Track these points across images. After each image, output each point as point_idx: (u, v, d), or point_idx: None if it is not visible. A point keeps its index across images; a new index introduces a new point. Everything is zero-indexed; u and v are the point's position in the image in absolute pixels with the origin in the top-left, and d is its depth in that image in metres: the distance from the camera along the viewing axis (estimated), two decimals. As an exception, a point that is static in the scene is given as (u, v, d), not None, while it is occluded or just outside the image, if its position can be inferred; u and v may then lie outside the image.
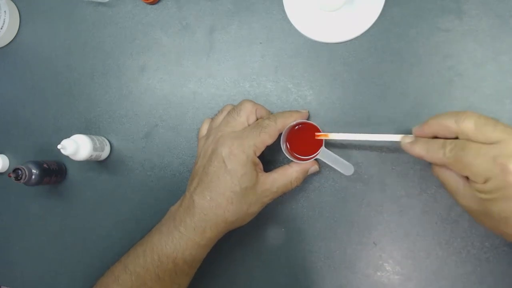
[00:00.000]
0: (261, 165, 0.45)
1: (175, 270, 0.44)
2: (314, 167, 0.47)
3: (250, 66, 0.53)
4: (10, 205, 0.63)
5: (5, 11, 0.61)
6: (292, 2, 0.51)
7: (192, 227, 0.43)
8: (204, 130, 0.50)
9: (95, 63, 0.59)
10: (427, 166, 0.46)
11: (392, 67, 0.47)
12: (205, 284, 0.52)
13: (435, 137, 0.38)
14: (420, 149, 0.38)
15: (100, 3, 0.59)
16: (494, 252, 0.44)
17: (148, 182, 0.56)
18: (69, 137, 0.53)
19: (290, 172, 0.45)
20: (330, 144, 0.49)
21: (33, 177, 0.54)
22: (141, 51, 0.57)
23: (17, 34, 0.63)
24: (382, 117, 0.47)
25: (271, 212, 0.51)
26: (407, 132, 0.42)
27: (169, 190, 0.55)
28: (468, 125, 0.34)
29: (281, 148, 0.46)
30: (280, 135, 0.45)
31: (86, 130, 0.59)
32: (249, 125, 0.45)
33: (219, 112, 0.49)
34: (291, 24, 0.51)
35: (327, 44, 0.50)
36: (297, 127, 0.47)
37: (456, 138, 0.36)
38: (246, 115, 0.45)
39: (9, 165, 0.63)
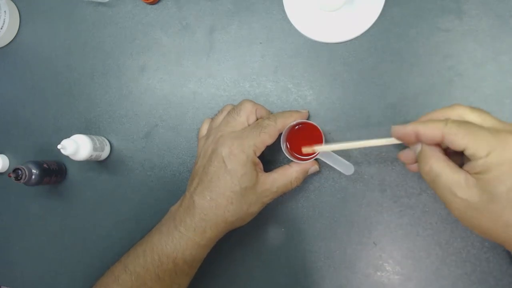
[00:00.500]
0: (261, 165, 0.45)
1: (175, 270, 0.44)
2: (314, 167, 0.47)
3: (250, 66, 0.53)
4: (10, 205, 0.63)
5: (5, 11, 0.61)
6: (292, 2, 0.51)
7: (192, 227, 0.43)
8: (204, 130, 0.50)
9: (95, 63, 0.59)
10: (427, 166, 0.46)
11: (392, 67, 0.47)
12: (205, 284, 0.52)
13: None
14: (415, 125, 0.35)
15: (100, 3, 0.59)
16: (494, 252, 0.44)
17: (148, 182, 0.56)
18: (69, 137, 0.53)
19: (290, 172, 0.45)
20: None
21: (33, 177, 0.54)
22: (141, 51, 0.57)
23: (17, 34, 0.63)
24: (382, 117, 0.47)
25: (271, 212, 0.51)
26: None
27: (169, 190, 0.55)
28: (463, 108, 0.35)
29: (281, 148, 0.46)
30: (280, 135, 0.45)
31: (86, 130, 0.59)
32: (249, 125, 0.45)
33: (219, 112, 0.49)
34: (291, 24, 0.51)
35: (327, 44, 0.50)
36: (297, 127, 0.47)
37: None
38: (246, 115, 0.45)
39: (9, 165, 0.63)
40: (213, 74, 0.54)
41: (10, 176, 0.53)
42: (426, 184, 0.46)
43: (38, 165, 0.55)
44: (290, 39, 0.51)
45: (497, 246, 0.44)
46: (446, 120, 0.34)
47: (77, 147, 0.52)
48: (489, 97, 0.45)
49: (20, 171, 0.53)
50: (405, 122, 0.45)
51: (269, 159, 0.51)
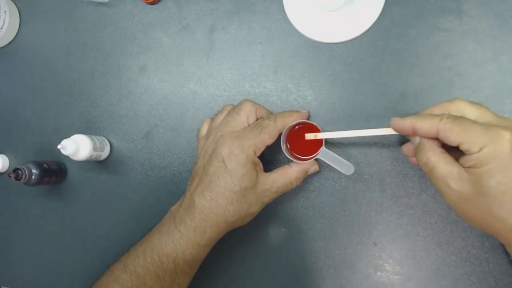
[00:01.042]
0: (261, 165, 0.45)
1: (175, 270, 0.44)
2: (314, 167, 0.47)
3: (250, 66, 0.53)
4: (10, 205, 0.63)
5: (5, 11, 0.61)
6: (292, 2, 0.51)
7: (193, 227, 0.43)
8: (204, 130, 0.50)
9: (95, 63, 0.59)
10: (427, 166, 0.46)
11: (392, 67, 0.47)
12: (205, 284, 0.53)
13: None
14: (412, 119, 0.37)
15: (100, 3, 0.59)
16: (494, 252, 0.44)
17: (148, 182, 0.56)
18: (69, 137, 0.53)
19: (290, 172, 0.45)
20: (330, 144, 0.49)
21: (33, 177, 0.54)
22: (141, 51, 0.57)
23: (17, 34, 0.63)
24: (382, 117, 0.47)
25: (271, 212, 0.51)
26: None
27: (169, 190, 0.55)
28: (462, 102, 0.36)
29: (281, 148, 0.46)
30: (280, 135, 0.45)
31: (86, 130, 0.59)
32: (249, 125, 0.45)
33: (219, 112, 0.49)
34: (291, 24, 0.51)
35: (327, 44, 0.50)
36: (297, 127, 0.47)
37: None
38: (246, 115, 0.45)
39: (9, 165, 0.63)
40: (213, 74, 0.54)
41: (10, 176, 0.53)
42: (426, 184, 0.46)
43: (38, 165, 0.55)
44: (290, 39, 0.51)
45: (497, 246, 0.44)
46: (442, 116, 0.35)
47: (77, 147, 0.52)
48: (489, 97, 0.45)
49: (20, 171, 0.53)
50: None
51: (269, 159, 0.51)
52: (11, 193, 0.63)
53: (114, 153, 0.58)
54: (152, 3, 0.56)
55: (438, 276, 0.45)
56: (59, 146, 0.51)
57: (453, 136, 0.34)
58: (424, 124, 0.36)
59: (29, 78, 0.62)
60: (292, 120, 0.45)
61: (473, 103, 0.36)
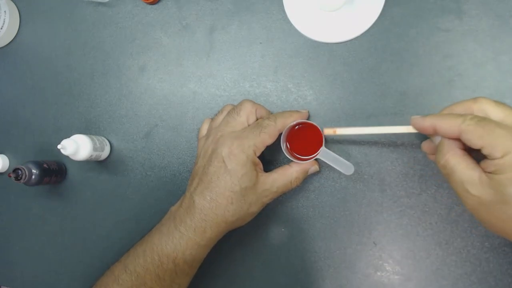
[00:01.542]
0: (261, 165, 0.45)
1: (175, 270, 0.44)
2: (314, 167, 0.47)
3: (250, 66, 0.53)
4: (10, 205, 0.63)
5: (5, 11, 0.61)
6: (292, 2, 0.51)
7: (193, 227, 0.43)
8: (204, 130, 0.50)
9: (95, 63, 0.59)
10: (427, 166, 0.46)
11: (392, 67, 0.47)
12: (205, 284, 0.53)
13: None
14: (433, 119, 0.35)
15: (100, 3, 0.59)
16: (494, 252, 0.44)
17: (148, 182, 0.56)
18: (69, 137, 0.53)
19: (290, 172, 0.45)
20: (330, 144, 0.49)
21: (33, 177, 0.54)
22: (141, 51, 0.57)
23: (17, 34, 0.63)
24: (382, 117, 0.47)
25: (271, 212, 0.51)
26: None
27: (169, 190, 0.55)
28: (486, 102, 0.34)
29: (281, 148, 0.46)
30: (280, 135, 0.45)
31: (86, 130, 0.59)
32: (249, 125, 0.45)
33: (219, 112, 0.49)
34: (291, 24, 0.51)
35: (327, 44, 0.50)
36: (297, 127, 0.47)
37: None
38: (246, 115, 0.45)
39: (9, 165, 0.63)
40: (213, 74, 0.54)
41: (10, 176, 0.53)
42: (426, 184, 0.46)
43: (38, 165, 0.55)
44: (290, 39, 0.51)
45: (497, 246, 0.44)
46: (465, 117, 0.33)
47: (77, 147, 0.52)
48: (489, 97, 0.44)
49: (20, 171, 0.53)
50: (405, 122, 0.46)
51: (269, 159, 0.51)
52: (11, 193, 0.63)
53: (114, 153, 0.58)
54: (152, 3, 0.56)
55: (438, 276, 0.45)
56: (59, 146, 0.51)
57: (475, 139, 0.32)
58: (445, 125, 0.34)
59: (29, 78, 0.62)
60: (292, 120, 0.45)
61: (498, 103, 0.34)
